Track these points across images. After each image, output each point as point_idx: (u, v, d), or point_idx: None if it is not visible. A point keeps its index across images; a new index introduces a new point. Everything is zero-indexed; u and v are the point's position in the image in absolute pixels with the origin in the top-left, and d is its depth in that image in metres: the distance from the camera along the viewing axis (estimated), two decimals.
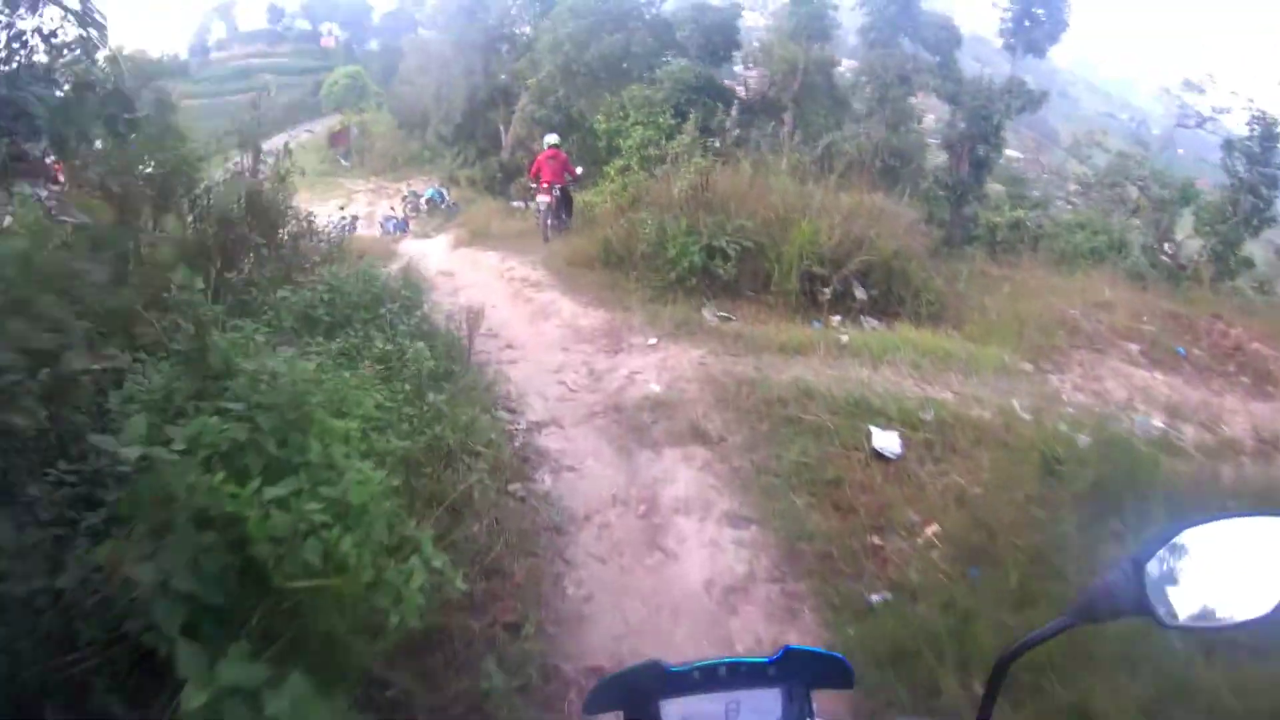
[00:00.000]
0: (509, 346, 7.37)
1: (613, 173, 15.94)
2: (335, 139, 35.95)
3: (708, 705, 1.11)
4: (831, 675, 1.18)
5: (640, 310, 7.94)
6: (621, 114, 16.46)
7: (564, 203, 13.48)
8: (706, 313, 7.98)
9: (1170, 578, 1.10)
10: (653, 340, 7.07)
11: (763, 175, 10.29)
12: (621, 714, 1.14)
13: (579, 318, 8.12)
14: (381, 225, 20.20)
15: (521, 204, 21.23)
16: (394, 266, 12.41)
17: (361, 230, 21.71)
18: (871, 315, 8.56)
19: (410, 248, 15.73)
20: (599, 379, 6.35)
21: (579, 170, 14.46)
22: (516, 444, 5.22)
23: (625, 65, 18.21)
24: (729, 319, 7.90)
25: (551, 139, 13.94)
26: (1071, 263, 15.23)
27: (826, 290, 8.34)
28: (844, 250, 8.56)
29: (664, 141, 14.94)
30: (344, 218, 20.57)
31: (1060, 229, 17.84)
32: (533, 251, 11.65)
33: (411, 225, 22.62)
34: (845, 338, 7.02)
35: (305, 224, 7.95)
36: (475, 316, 6.58)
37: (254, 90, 52.76)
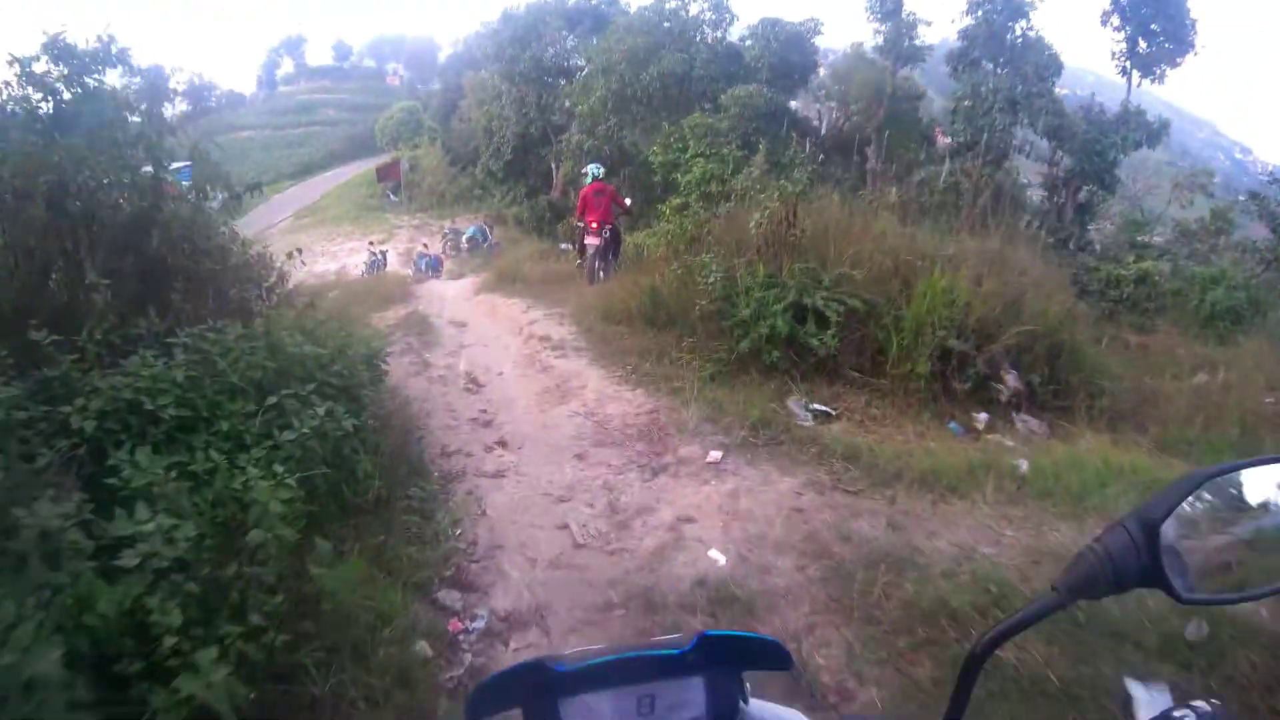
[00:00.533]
0: (500, 445, 5.02)
1: (668, 211, 13.71)
2: (383, 173, 34.63)
3: (615, 701, 0.94)
4: (764, 657, 1.00)
5: (697, 395, 5.49)
6: (680, 145, 14.26)
7: (613, 243, 11.44)
8: (795, 404, 5.48)
9: (1187, 540, 0.89)
10: (715, 453, 4.60)
11: (860, 213, 7.83)
12: (520, 713, 0.96)
13: (608, 401, 5.71)
14: (414, 264, 18.36)
15: (570, 246, 19.33)
16: (397, 313, 10.53)
17: (394, 266, 20.02)
18: (1028, 411, 5.94)
19: (431, 289, 13.97)
20: (625, 525, 3.89)
21: (628, 201, 12.41)
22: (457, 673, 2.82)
23: (685, 90, 16.06)
24: (829, 415, 5.39)
25: (595, 169, 11.98)
26: (1206, 324, 12.49)
27: (967, 375, 5.77)
28: (990, 318, 6.00)
29: (729, 176, 12.73)
30: (374, 254, 18.78)
31: (1190, 283, 14.87)
32: (564, 301, 9.52)
33: (449, 264, 20.76)
34: (1023, 464, 4.40)
35: (242, 256, 5.73)
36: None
37: (316, 125, 54.24)
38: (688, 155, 13.80)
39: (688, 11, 17.50)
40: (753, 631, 1.08)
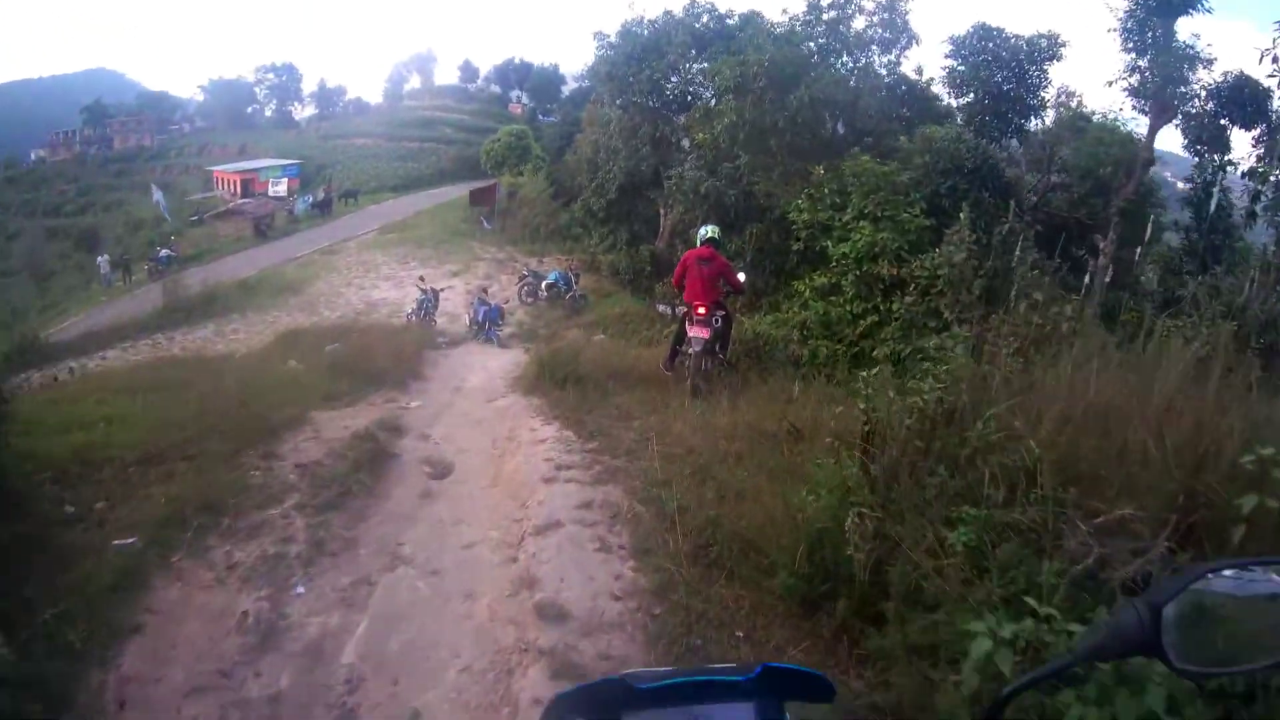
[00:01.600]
0: None
1: (807, 292, 9.68)
2: (477, 197, 31.77)
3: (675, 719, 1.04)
4: (809, 689, 1.16)
5: None
6: (836, 199, 10.07)
7: (723, 333, 8.15)
8: None
9: (1187, 621, 1.05)
10: None
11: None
12: None
13: None
14: (471, 309, 14.64)
15: (667, 310, 15.42)
16: (365, 413, 7.01)
17: (453, 307, 16.55)
18: None
19: (455, 366, 10.60)
20: None
21: (742, 277, 8.72)
22: None
23: (850, 127, 11.92)
24: None
25: (709, 231, 8.43)
26: None
27: None
28: None
29: (906, 253, 8.66)
30: (423, 293, 15.18)
31: None
32: (637, 448, 5.66)
33: (522, 313, 17.14)
34: None
35: None
36: None
37: (432, 141, 53.86)
38: (847, 216, 9.63)
39: (849, 26, 13.37)
40: (805, 667, 1.14)
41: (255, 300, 19.65)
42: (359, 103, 74.39)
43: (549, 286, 17.90)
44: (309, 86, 73.70)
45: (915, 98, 13.86)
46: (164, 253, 29.18)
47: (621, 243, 21.34)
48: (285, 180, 44.35)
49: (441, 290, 16.07)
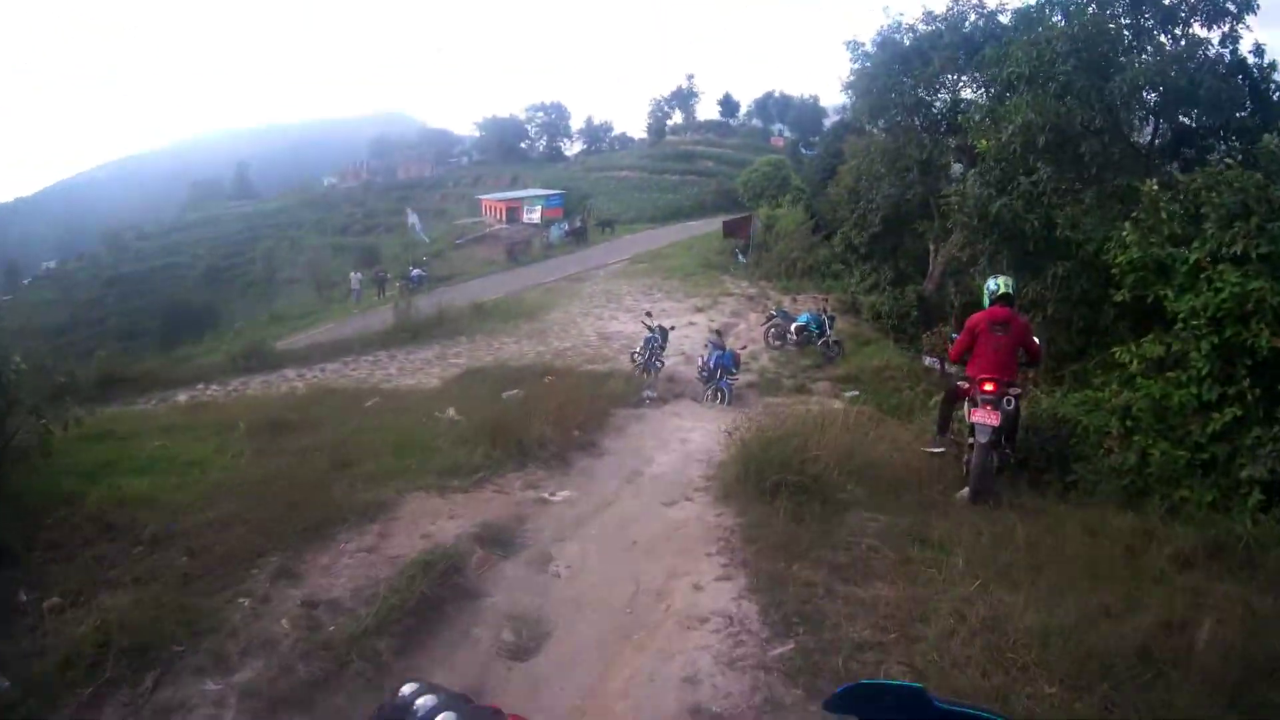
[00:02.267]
0: None
1: (1133, 362, 7.20)
2: (731, 228, 30.58)
3: None
4: None
5: None
6: (1179, 228, 7.48)
7: (1014, 419, 6.23)
8: None
9: None
10: None
11: None
12: None
13: None
14: (703, 358, 13.23)
15: (935, 363, 13.19)
16: (477, 510, 5.28)
17: (687, 344, 15.39)
18: None
19: (641, 432, 8.56)
20: None
21: (1038, 344, 6.76)
22: None
23: (1168, 127, 9.01)
24: None
25: (1001, 284, 6.45)
26: None
27: None
28: None
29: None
30: (651, 331, 13.79)
31: None
32: (869, 655, 3.41)
33: (766, 359, 15.64)
34: None
35: None
36: None
37: (693, 174, 55.01)
38: (1195, 253, 7.04)
39: None
40: None
41: (486, 324, 19.49)
42: (623, 138, 77.69)
43: (799, 330, 16.25)
44: (576, 124, 78.13)
45: (1255, 90, 10.40)
46: (416, 272, 30.44)
47: (885, 282, 19.25)
48: (540, 208, 45.98)
49: (672, 328, 14.56)
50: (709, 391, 12.41)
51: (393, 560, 4.38)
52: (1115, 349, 7.42)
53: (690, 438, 8.21)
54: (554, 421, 7.25)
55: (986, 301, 6.47)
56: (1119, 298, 7.76)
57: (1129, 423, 6.88)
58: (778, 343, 16.51)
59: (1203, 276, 6.98)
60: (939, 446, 6.68)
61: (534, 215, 45.58)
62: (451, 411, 8.39)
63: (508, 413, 7.93)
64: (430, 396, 10.89)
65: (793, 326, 16.37)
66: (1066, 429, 7.21)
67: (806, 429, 6.53)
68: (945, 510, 5.42)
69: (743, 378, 13.60)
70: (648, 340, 13.59)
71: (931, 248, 17.07)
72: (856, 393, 12.95)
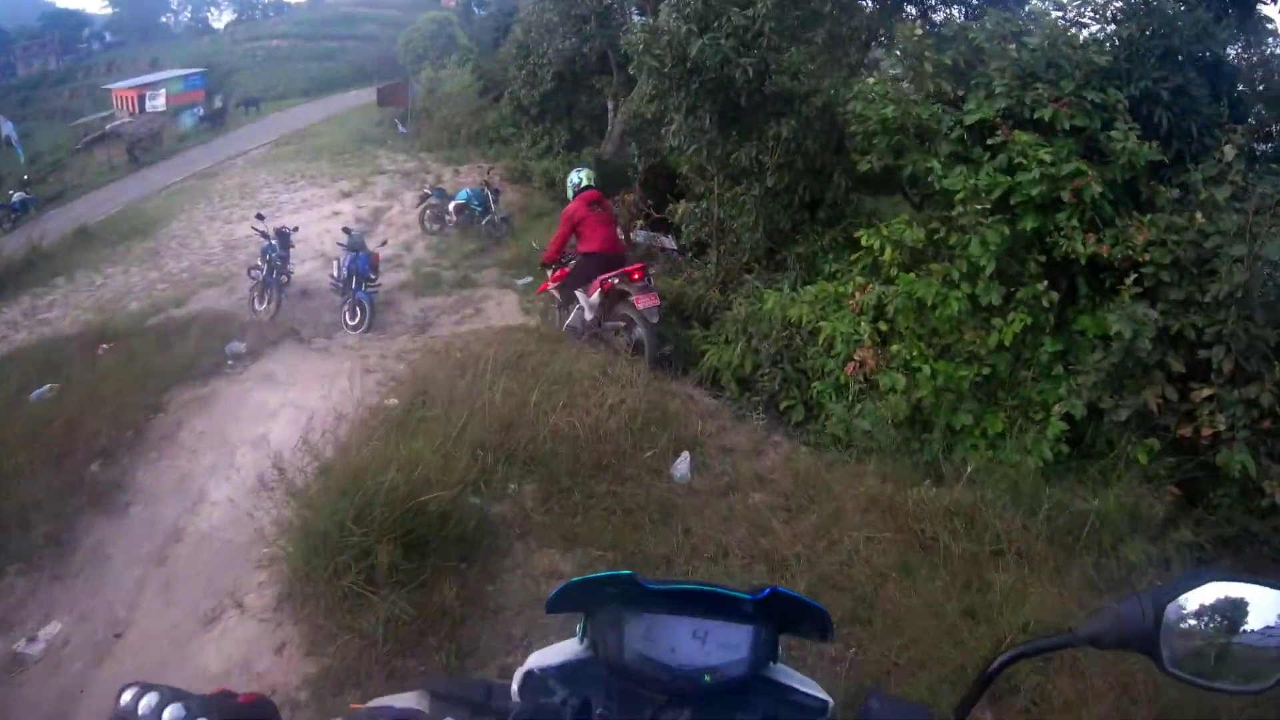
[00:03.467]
0: None
1: (886, 248, 5.26)
2: (385, 95, 26.31)
3: (675, 626, 1.02)
4: (809, 625, 1.11)
5: None
6: (945, 82, 5.61)
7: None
8: None
9: (1184, 624, 0.98)
10: None
11: None
12: (582, 615, 1.07)
13: None
14: (333, 265, 9.73)
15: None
16: None
17: (319, 244, 11.76)
18: None
19: (204, 436, 5.41)
20: None
21: (671, 243, 7.38)
22: None
23: None
24: None
25: (583, 179, 7.03)
26: None
27: None
28: None
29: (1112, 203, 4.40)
30: (263, 237, 10.07)
31: None
32: None
33: (422, 248, 12.53)
34: None
35: None
36: None
37: (352, 39, 48.30)
38: (975, 113, 5.18)
39: None
40: (814, 601, 1.06)
41: (91, 254, 14.62)
42: (279, 3, 67.36)
43: (459, 208, 13.14)
44: None
45: None
46: (17, 197, 23.42)
47: (559, 146, 16.97)
48: (163, 93, 37.88)
49: (295, 228, 10.86)
50: (345, 308, 9.36)
51: None
52: (860, 233, 5.47)
53: (275, 425, 5.18)
54: (61, 453, 4.54)
55: (571, 195, 6.82)
56: (864, 166, 5.78)
57: (880, 328, 5.08)
58: (436, 226, 13.35)
59: (985, 148, 5.15)
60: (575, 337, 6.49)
61: (158, 102, 37.13)
62: None
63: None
64: None
65: (451, 205, 13.21)
66: (797, 333, 5.28)
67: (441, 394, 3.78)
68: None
69: (397, 275, 10.80)
70: (264, 250, 9.94)
71: (610, 105, 14.98)
72: (530, 279, 10.47)
